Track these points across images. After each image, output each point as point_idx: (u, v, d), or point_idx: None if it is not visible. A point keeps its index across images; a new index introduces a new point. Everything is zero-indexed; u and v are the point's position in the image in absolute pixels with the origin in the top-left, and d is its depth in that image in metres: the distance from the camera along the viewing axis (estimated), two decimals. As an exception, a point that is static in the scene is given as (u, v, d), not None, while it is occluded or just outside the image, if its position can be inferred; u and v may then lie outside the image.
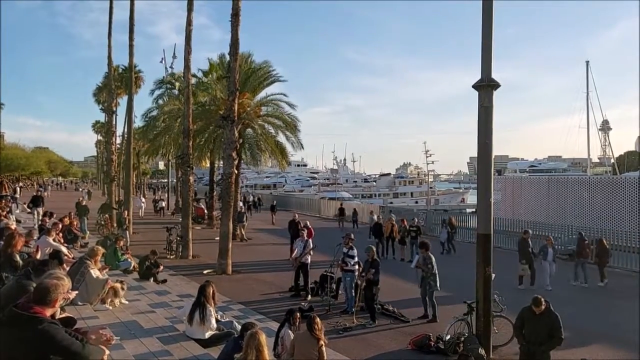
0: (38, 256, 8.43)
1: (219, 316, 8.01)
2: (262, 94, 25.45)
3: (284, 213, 33.77)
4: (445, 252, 19.74)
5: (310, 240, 12.84)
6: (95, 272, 8.27)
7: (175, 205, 33.14)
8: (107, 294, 8.31)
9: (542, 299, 6.98)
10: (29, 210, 22.48)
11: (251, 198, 41.46)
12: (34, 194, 25.11)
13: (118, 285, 8.69)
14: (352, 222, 28.21)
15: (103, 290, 8.22)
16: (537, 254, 14.47)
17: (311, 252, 12.28)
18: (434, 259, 10.37)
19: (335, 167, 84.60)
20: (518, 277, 13.86)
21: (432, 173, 73.12)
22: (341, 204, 33.17)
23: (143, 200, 34.66)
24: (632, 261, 16.90)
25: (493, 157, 7.93)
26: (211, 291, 7.57)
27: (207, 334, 7.26)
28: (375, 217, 24.16)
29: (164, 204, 34.93)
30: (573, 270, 14.86)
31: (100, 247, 9.38)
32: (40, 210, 20.58)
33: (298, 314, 6.92)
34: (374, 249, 10.78)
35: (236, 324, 7.66)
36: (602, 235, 16.99)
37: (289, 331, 6.59)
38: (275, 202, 35.44)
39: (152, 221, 28.70)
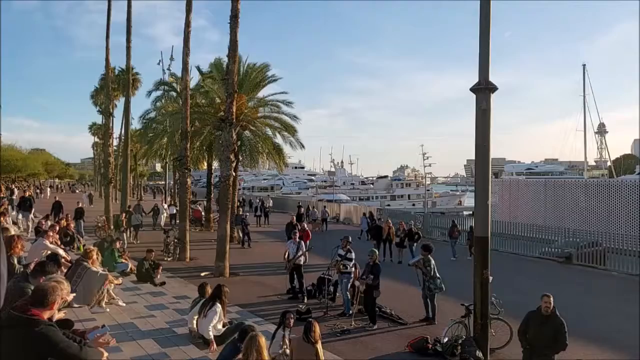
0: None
1: (226, 321, 7.98)
2: (260, 95, 25.52)
3: (281, 215, 33.64)
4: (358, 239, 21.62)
5: (303, 242, 12.82)
6: (95, 268, 8.29)
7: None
8: (103, 295, 8.30)
9: (551, 299, 6.92)
10: (15, 212, 21.87)
11: (259, 203, 33.42)
12: (22, 195, 24.54)
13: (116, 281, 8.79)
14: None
15: (100, 291, 8.21)
16: None
17: (305, 254, 12.28)
18: (433, 262, 10.38)
19: (333, 169, 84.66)
20: None
21: (430, 175, 73.29)
22: (299, 203, 34.00)
23: (166, 207, 30.06)
24: (629, 264, 16.88)
25: (490, 159, 7.96)
26: (223, 293, 7.66)
27: (211, 332, 7.24)
28: (318, 213, 29.18)
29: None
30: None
31: (92, 248, 9.37)
32: (30, 214, 20.44)
33: (292, 315, 6.92)
34: (376, 252, 10.79)
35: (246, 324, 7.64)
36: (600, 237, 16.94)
37: (283, 332, 6.57)
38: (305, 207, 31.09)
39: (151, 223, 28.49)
